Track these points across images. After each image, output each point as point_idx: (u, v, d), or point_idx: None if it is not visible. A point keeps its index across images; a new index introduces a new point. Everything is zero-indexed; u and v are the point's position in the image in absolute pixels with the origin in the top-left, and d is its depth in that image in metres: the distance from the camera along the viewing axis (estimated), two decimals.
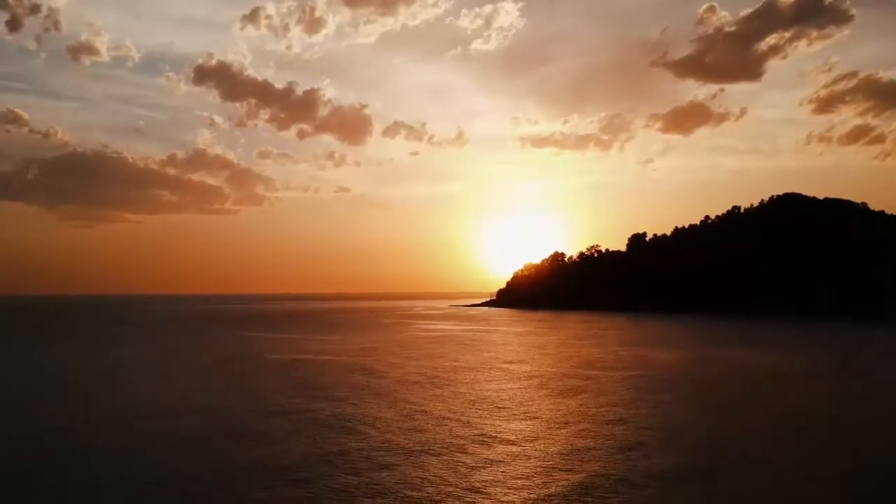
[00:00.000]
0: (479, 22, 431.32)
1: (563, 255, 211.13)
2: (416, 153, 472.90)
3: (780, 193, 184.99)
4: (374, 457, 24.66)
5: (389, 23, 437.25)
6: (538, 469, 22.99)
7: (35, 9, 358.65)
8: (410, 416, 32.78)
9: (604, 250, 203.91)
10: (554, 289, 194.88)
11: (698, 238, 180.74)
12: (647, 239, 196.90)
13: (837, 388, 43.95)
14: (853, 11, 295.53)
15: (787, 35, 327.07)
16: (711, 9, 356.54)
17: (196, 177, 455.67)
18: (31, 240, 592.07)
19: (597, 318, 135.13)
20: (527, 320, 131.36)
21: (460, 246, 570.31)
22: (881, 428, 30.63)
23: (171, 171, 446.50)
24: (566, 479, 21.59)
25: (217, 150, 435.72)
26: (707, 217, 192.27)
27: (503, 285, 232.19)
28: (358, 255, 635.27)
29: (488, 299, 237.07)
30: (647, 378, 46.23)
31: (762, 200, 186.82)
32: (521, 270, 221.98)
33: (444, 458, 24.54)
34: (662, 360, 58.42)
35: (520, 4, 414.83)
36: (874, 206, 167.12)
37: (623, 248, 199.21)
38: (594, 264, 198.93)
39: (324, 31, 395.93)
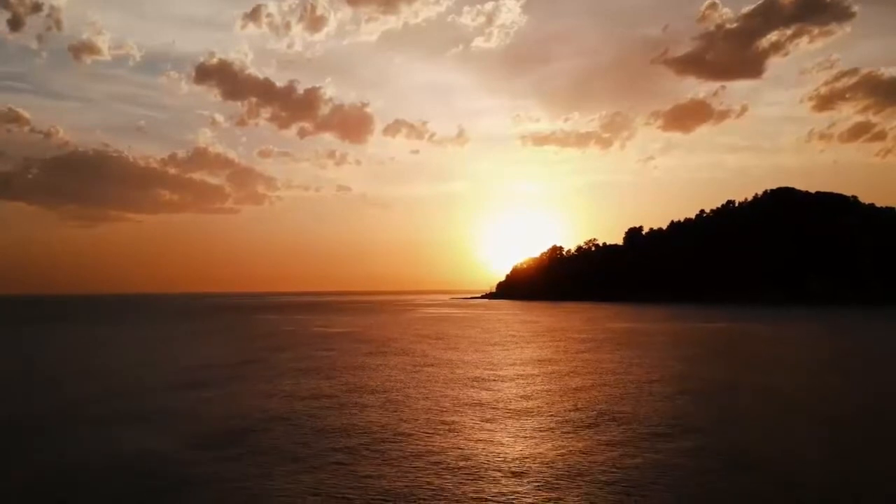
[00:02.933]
0: (481, 19, 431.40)
1: (560, 248, 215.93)
2: (416, 152, 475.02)
3: (774, 187, 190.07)
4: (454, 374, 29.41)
5: (391, 21, 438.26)
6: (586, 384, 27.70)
7: (37, 7, 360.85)
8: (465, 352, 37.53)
9: (601, 244, 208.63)
10: (552, 281, 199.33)
11: (694, 231, 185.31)
12: (644, 233, 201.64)
13: (811, 344, 49.55)
14: (855, 8, 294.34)
15: (789, 32, 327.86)
16: (713, 6, 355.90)
17: (197, 176, 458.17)
18: (31, 239, 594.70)
19: (595, 306, 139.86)
20: (529, 308, 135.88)
21: (461, 244, 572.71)
22: (833, 360, 36.13)
23: (172, 171, 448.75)
24: (614, 389, 26.31)
25: (218, 148, 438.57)
26: (702, 211, 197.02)
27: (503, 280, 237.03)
28: (359, 254, 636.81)
29: (488, 291, 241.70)
30: (660, 339, 51.21)
31: (756, 195, 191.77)
32: (521, 264, 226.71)
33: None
34: (670, 329, 63.30)
35: (521, 1, 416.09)
36: (877, 203, 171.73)
37: (621, 243, 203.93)
38: (591, 257, 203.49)
39: (325, 30, 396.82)
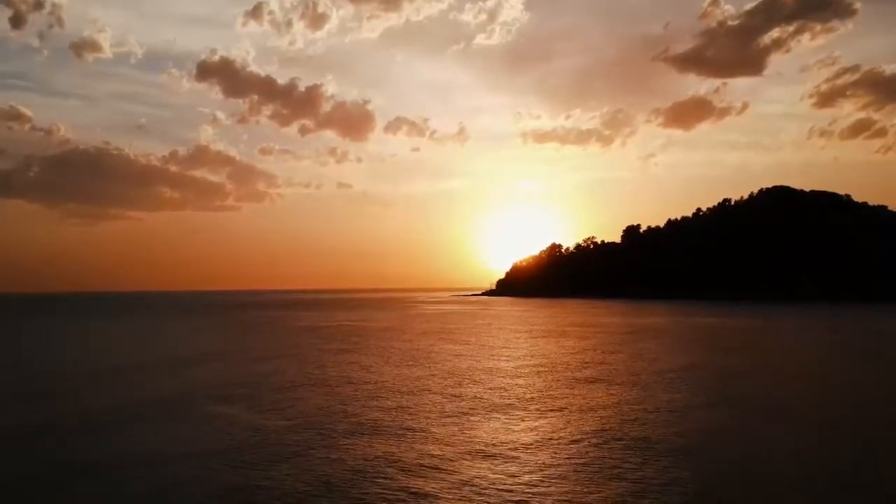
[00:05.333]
0: (483, 16, 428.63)
1: (559, 246, 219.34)
2: (417, 149, 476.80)
3: (769, 186, 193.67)
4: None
5: (393, 18, 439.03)
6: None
7: (38, 5, 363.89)
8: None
9: (599, 241, 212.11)
10: (551, 278, 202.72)
11: (690, 229, 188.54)
12: (641, 231, 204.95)
13: (800, 336, 52.84)
14: (857, 5, 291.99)
15: (791, 29, 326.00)
16: (715, 3, 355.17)
17: (198, 173, 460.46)
18: (32, 238, 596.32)
19: (593, 302, 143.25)
20: (529, 305, 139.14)
21: (461, 242, 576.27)
22: (818, 350, 39.01)
23: (173, 168, 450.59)
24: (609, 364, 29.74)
25: (219, 146, 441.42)
26: (699, 209, 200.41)
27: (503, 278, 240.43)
28: (360, 252, 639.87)
29: (488, 289, 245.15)
30: (655, 332, 54.41)
31: (752, 193, 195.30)
32: (520, 261, 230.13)
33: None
34: (665, 324, 66.53)
35: None
36: (876, 200, 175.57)
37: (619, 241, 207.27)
38: (589, 255, 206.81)
39: (327, 27, 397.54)
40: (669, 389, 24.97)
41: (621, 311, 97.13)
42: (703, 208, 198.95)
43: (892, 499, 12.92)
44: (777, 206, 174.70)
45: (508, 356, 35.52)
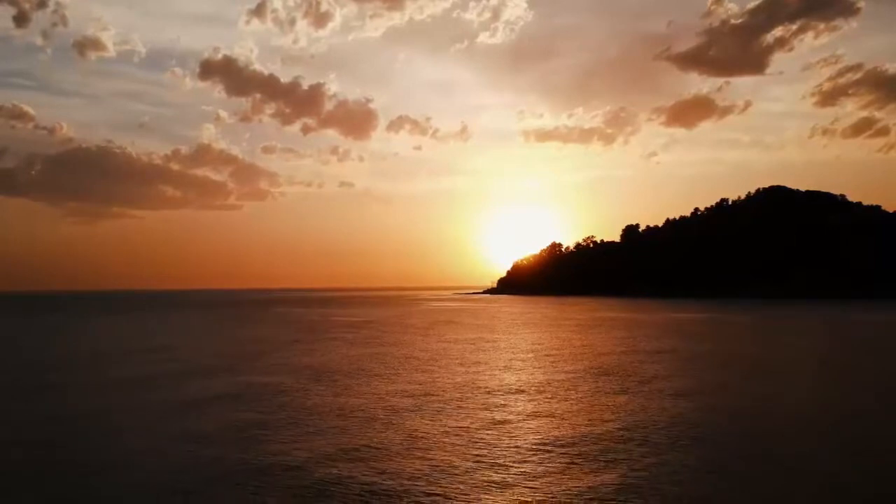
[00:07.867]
0: (487, 15, 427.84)
1: (560, 245, 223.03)
2: (419, 148, 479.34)
3: (766, 186, 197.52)
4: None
5: (396, 17, 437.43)
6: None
7: (42, 4, 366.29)
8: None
9: (599, 241, 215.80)
10: (551, 277, 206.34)
11: (688, 228, 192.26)
12: (640, 230, 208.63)
13: (785, 330, 56.26)
14: (860, 4, 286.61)
15: (794, 27, 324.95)
16: (718, 1, 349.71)
17: (200, 172, 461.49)
18: (35, 236, 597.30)
19: (595, 300, 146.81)
20: (531, 303, 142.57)
21: (462, 240, 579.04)
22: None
23: (175, 167, 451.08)
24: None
25: (221, 145, 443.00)
26: (697, 209, 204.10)
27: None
28: (361, 250, 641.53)
29: (489, 287, 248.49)
30: (648, 326, 57.79)
31: (749, 193, 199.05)
32: (521, 260, 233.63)
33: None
34: (659, 319, 69.98)
35: None
36: (878, 198, 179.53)
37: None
38: (589, 254, 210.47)
39: (330, 25, 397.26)
40: (696, 367, 28.54)
41: (624, 308, 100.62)
42: (702, 208, 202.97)
43: None
44: (774, 205, 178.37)
45: (549, 346, 39.60)
